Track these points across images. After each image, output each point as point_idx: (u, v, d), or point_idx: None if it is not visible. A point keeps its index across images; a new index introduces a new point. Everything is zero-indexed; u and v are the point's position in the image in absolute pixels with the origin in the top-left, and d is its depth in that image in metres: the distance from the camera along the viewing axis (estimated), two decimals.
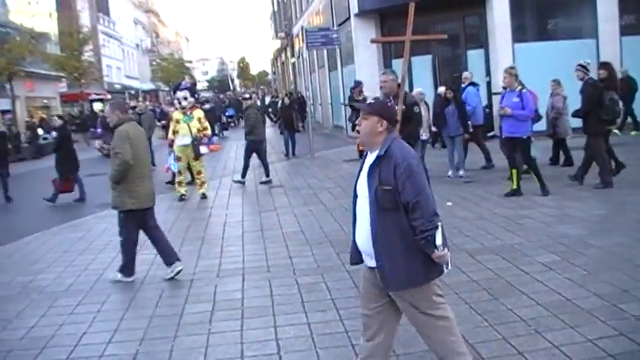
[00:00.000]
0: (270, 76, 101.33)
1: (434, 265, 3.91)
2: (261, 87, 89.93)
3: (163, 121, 22.17)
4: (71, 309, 6.82)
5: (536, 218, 9.10)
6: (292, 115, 21.43)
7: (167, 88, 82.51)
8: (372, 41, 16.57)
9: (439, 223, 3.82)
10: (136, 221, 7.79)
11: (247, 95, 19.25)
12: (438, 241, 3.79)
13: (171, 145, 13.62)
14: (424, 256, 3.89)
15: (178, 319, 6.15)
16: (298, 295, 6.57)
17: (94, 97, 57.52)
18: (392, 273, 3.93)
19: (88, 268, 8.46)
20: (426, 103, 14.03)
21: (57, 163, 15.30)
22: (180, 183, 13.48)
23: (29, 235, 11.02)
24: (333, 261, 7.78)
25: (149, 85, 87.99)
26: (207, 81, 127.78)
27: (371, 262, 4.03)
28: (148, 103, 39.10)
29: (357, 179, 4.14)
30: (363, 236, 4.04)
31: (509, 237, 8.19)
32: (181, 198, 13.35)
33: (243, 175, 15.13)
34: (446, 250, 3.81)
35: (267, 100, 42.40)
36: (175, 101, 14.08)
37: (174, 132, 13.35)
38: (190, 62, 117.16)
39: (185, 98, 13.40)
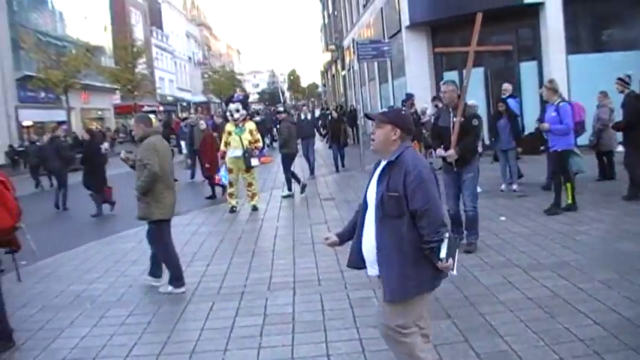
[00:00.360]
0: (320, 89, 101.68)
1: (428, 278, 3.99)
2: (312, 99, 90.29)
3: (215, 133, 22.41)
4: (122, 319, 6.86)
5: (592, 234, 8.86)
6: (341, 128, 21.37)
7: (218, 101, 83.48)
8: (437, 52, 16.46)
9: (446, 235, 3.83)
10: (167, 230, 7.95)
11: (281, 109, 19.48)
12: (442, 254, 3.83)
13: (223, 157, 13.70)
14: (420, 268, 3.94)
15: (229, 332, 6.11)
16: (350, 309, 6.46)
17: (146, 108, 58.47)
18: (387, 282, 4.02)
19: (139, 279, 8.51)
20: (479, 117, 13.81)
21: (84, 177, 15.59)
22: (231, 195, 13.54)
23: (83, 244, 11.17)
24: None
25: (201, 98, 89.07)
26: (258, 93, 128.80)
27: (373, 270, 4.12)
28: (199, 115, 39.45)
29: (367, 188, 4.20)
30: (369, 246, 4.09)
31: (565, 253, 7.98)
32: (232, 210, 13.40)
33: (290, 188, 15.23)
34: (450, 260, 3.84)
35: (317, 112, 42.60)
36: (227, 113, 14.19)
37: (226, 144, 13.44)
38: (241, 75, 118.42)
39: (237, 110, 13.48)
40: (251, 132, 13.42)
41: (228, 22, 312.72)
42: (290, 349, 5.55)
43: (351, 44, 33.52)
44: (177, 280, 7.78)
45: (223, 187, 14.92)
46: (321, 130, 24.97)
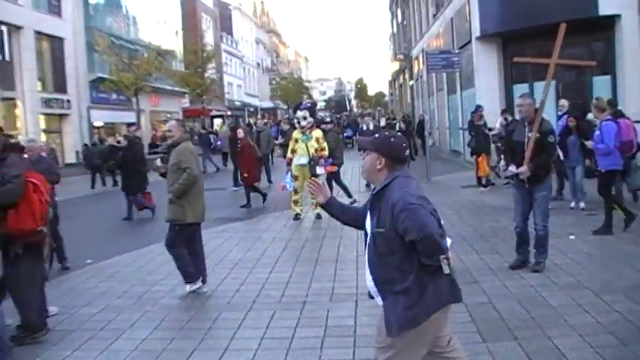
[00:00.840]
0: (387, 98, 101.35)
1: (424, 308, 3.74)
2: (378, 108, 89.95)
3: (281, 140, 22.54)
4: (183, 324, 6.88)
5: None
6: (409, 140, 21.14)
7: (285, 107, 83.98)
8: (515, 62, 16.13)
9: (444, 260, 3.67)
10: (187, 235, 8.12)
11: (328, 119, 19.34)
12: (446, 270, 3.72)
13: (289, 163, 13.74)
14: (419, 302, 3.73)
15: (289, 342, 6.05)
16: None
17: (214, 113, 59.19)
18: (386, 316, 3.86)
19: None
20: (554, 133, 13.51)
21: (123, 182, 15.96)
22: (296, 202, 13.55)
23: (147, 245, 11.28)
24: None
25: (268, 104, 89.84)
26: (325, 101, 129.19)
27: (380, 300, 3.94)
28: (265, 120, 39.70)
29: (366, 216, 4.00)
30: (369, 277, 3.94)
31: (638, 277, 7.67)
32: (296, 217, 13.40)
33: (349, 195, 15.19)
34: (452, 258, 3.75)
35: (383, 121, 42.33)
36: (295, 120, 14.23)
37: (293, 151, 13.47)
38: (309, 82, 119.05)
39: (305, 118, 13.50)
40: (317, 140, 13.40)
41: (297, 30, 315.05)
42: None
43: (420, 54, 33.32)
44: (190, 276, 8.02)
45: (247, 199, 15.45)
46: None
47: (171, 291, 8.29)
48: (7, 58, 34.13)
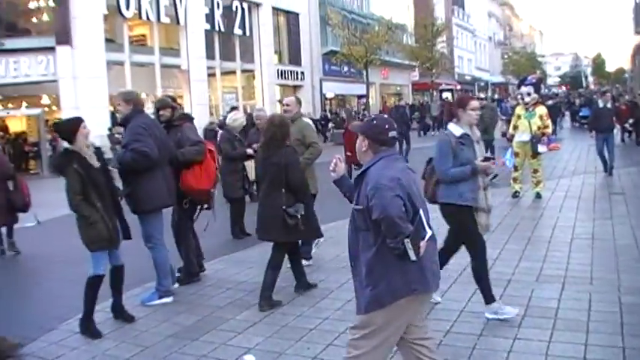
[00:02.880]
0: (627, 75, 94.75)
1: (389, 291, 3.88)
2: (616, 85, 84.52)
3: (506, 116, 22.04)
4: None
5: None
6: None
7: (517, 82, 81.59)
8: None
9: (405, 243, 3.72)
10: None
11: (482, 96, 18.60)
12: (412, 256, 3.77)
13: (510, 140, 13.48)
14: (382, 283, 3.89)
15: (487, 318, 6.07)
16: (619, 314, 6.02)
17: (443, 87, 59.04)
18: (357, 294, 4.11)
19: None
20: None
21: None
22: (515, 179, 13.28)
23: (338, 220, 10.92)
24: None
25: (498, 78, 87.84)
26: (560, 77, 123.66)
27: None
28: (488, 95, 39.01)
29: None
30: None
31: None
32: (515, 195, 13.15)
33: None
34: (422, 247, 3.80)
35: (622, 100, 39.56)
36: (518, 96, 13.90)
37: (515, 127, 13.21)
38: (542, 57, 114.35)
39: (529, 94, 13.15)
40: (541, 117, 12.97)
41: (532, 2, 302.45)
42: (545, 345, 5.36)
43: None
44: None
45: None
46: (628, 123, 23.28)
47: None
48: (247, 33, 36.56)
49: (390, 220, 3.76)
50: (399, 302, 3.91)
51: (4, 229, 10.63)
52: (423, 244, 3.82)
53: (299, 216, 6.78)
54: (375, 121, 4.19)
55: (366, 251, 3.97)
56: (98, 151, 6.49)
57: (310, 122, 8.65)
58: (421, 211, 3.91)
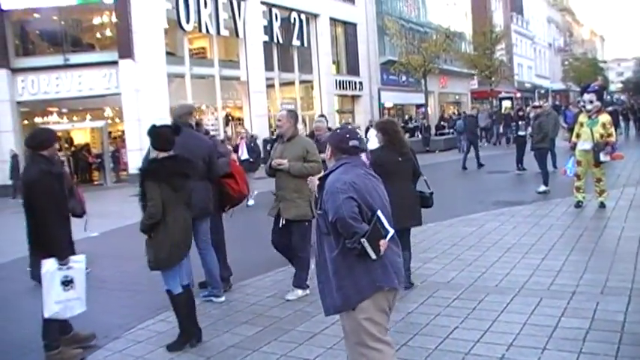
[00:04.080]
0: None
1: (356, 291, 4.04)
2: None
3: (567, 123, 21.69)
4: (448, 302, 7.08)
5: None
6: None
7: (578, 89, 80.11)
8: None
9: (362, 242, 3.88)
10: None
11: (538, 104, 18.55)
12: (372, 255, 3.95)
13: (573, 148, 13.24)
14: (348, 283, 4.05)
15: (551, 331, 5.94)
16: None
17: (503, 94, 58.32)
18: (323, 297, 4.28)
19: (472, 264, 8.67)
20: None
21: None
22: (578, 189, 12.98)
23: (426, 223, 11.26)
24: None
25: (559, 85, 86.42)
26: (622, 82, 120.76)
27: None
28: (548, 102, 38.34)
29: None
30: None
31: None
32: (578, 204, 12.85)
33: (546, 183, 15.38)
34: (382, 246, 3.97)
35: None
36: (581, 104, 13.67)
37: (577, 135, 12.96)
38: (604, 62, 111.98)
39: (591, 102, 12.87)
40: (604, 125, 12.67)
41: (593, 7, 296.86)
42: None
43: None
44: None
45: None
46: None
47: (442, 269, 8.57)
48: (305, 44, 36.82)
49: (343, 220, 3.95)
50: (370, 299, 4.09)
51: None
52: (383, 242, 3.99)
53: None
54: (338, 131, 4.57)
55: (331, 254, 4.14)
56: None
57: (311, 141, 8.30)
58: (379, 212, 4.04)
